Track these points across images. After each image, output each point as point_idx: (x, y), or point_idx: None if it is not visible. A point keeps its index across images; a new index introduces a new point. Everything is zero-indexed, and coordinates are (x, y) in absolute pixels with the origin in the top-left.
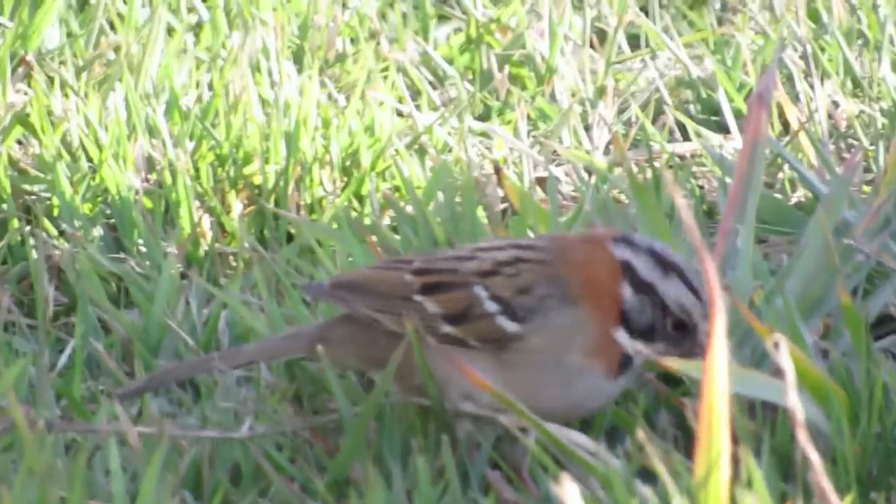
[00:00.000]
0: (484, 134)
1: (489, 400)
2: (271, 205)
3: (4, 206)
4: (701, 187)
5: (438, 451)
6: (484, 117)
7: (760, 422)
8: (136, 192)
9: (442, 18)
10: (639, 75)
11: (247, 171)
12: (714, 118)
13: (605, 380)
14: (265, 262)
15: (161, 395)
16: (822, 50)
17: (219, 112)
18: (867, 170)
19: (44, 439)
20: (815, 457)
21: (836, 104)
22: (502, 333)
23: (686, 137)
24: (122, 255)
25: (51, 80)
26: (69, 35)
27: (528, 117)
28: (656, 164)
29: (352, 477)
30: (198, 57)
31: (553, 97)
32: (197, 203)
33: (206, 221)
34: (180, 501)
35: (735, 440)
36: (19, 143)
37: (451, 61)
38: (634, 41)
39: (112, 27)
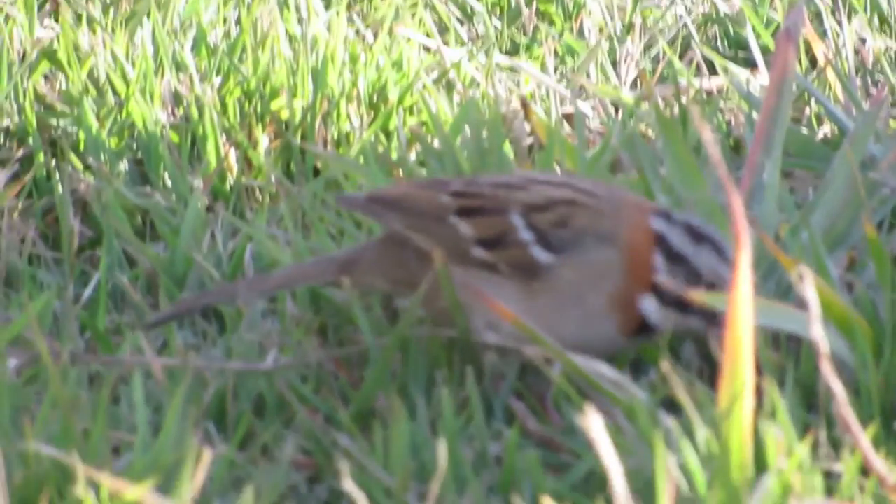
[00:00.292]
0: (511, 69)
1: (513, 330)
2: (298, 139)
3: (31, 140)
4: (728, 122)
5: (463, 383)
6: (511, 53)
7: (784, 354)
8: (163, 127)
9: None
10: (666, 11)
11: (274, 105)
12: (741, 54)
13: (619, 334)
14: (291, 195)
15: (185, 327)
16: None
17: (246, 48)
18: (894, 104)
19: (68, 372)
20: (838, 388)
21: (862, 40)
22: (534, 263)
23: (713, 73)
24: (147, 189)
25: (78, 16)
26: None
27: (556, 53)
28: (683, 100)
29: (376, 408)
30: None
31: (581, 33)
32: (223, 137)
33: (233, 155)
34: (204, 433)
35: (759, 372)
36: (46, 78)
37: None
38: None
39: None
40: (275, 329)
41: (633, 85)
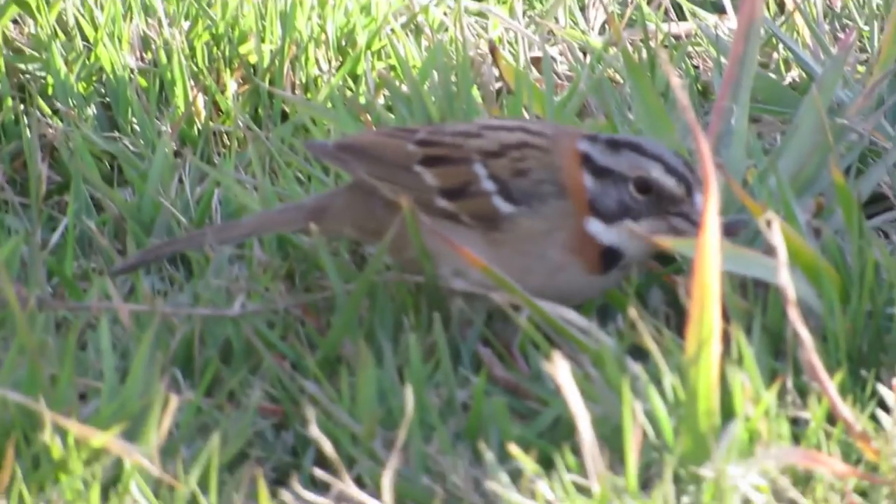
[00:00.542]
0: (480, 14)
1: (479, 277)
2: (266, 84)
3: None
4: (696, 67)
5: (430, 329)
6: None
7: (752, 300)
8: (131, 71)
9: None
10: None
11: (242, 50)
12: None
13: (588, 275)
14: (259, 140)
15: (153, 273)
16: None
17: None
18: (861, 49)
19: (35, 317)
20: (805, 334)
21: None
22: (496, 213)
23: (681, 17)
24: (115, 134)
25: None
26: None
27: None
28: (651, 44)
29: (343, 354)
30: None
31: None
32: (191, 82)
33: (201, 100)
34: (170, 379)
35: (726, 318)
36: (15, 22)
37: None
38: None
39: None
40: (242, 275)
41: (602, 30)
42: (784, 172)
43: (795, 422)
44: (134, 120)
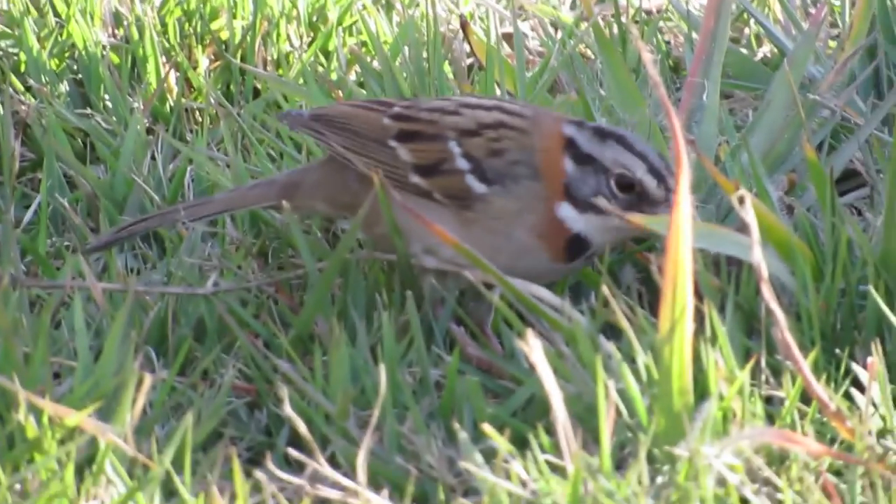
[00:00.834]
0: None
1: (451, 254)
2: (238, 60)
3: None
4: (667, 42)
5: (403, 307)
6: None
7: (725, 277)
8: (103, 48)
9: None
10: None
11: (214, 26)
12: None
13: (552, 262)
14: (231, 117)
15: (126, 251)
16: None
17: None
18: (833, 25)
19: (8, 295)
20: (779, 312)
21: None
22: (469, 192)
23: None
24: (88, 111)
25: None
26: None
27: None
28: (623, 20)
29: (316, 332)
30: None
31: None
32: (163, 58)
33: (173, 77)
34: (144, 357)
35: (699, 296)
36: None
37: None
38: None
39: None
40: (215, 253)
41: (573, 5)
42: (756, 149)
43: (769, 401)
44: (106, 96)
